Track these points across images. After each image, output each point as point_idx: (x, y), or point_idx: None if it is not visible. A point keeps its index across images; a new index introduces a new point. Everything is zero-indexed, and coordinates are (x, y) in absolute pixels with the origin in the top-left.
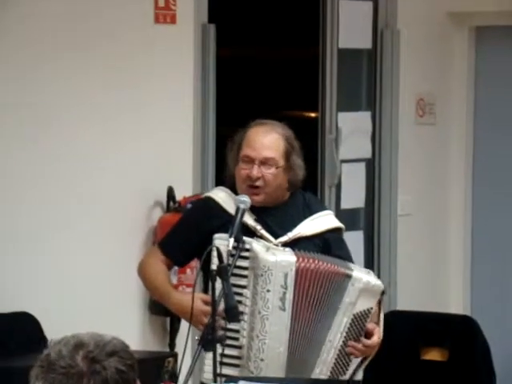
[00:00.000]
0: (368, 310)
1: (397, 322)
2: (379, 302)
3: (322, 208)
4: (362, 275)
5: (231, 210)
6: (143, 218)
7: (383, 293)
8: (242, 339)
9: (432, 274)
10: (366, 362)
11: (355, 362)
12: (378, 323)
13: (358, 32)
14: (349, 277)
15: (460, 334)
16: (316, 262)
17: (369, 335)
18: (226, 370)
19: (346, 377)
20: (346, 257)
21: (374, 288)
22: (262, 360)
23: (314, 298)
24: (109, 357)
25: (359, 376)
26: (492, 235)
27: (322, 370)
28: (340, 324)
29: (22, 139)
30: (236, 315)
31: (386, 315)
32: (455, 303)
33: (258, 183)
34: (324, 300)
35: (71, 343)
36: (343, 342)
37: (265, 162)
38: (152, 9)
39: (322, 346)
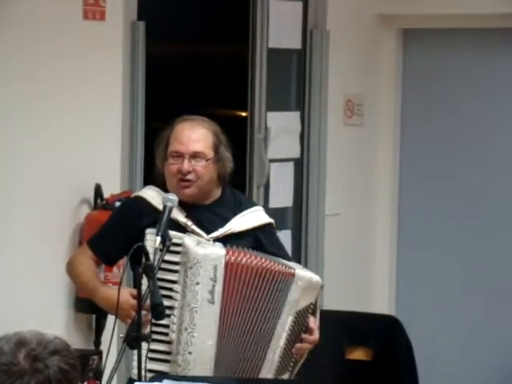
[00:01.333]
0: (309, 305)
1: (322, 321)
2: (317, 296)
3: (253, 204)
4: (303, 273)
5: (161, 208)
6: (70, 215)
7: (322, 287)
8: (171, 334)
9: (358, 273)
10: (305, 356)
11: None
12: (314, 315)
13: (287, 32)
14: (292, 275)
15: (384, 333)
16: (248, 256)
17: (310, 331)
18: (155, 366)
19: (288, 374)
20: (281, 251)
21: (315, 284)
22: (190, 353)
23: (248, 292)
24: (51, 355)
25: (286, 375)
26: (418, 235)
27: (269, 370)
28: (285, 323)
29: None
30: (161, 313)
31: None
32: (380, 303)
33: (189, 177)
34: (267, 298)
35: (13, 341)
36: (287, 340)
37: (195, 155)
38: (81, 5)
39: (268, 345)
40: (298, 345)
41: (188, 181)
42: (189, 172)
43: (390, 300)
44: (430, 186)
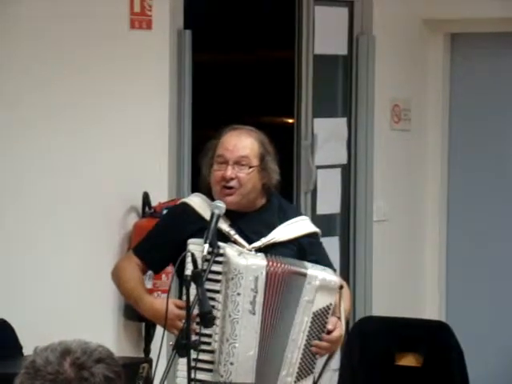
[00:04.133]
0: (328, 306)
1: (371, 327)
2: (339, 298)
3: (298, 214)
4: (316, 272)
5: (206, 215)
6: (119, 223)
7: (341, 287)
8: (213, 343)
9: (407, 279)
10: (332, 360)
11: (321, 361)
12: (339, 317)
13: (333, 38)
14: (304, 275)
15: (435, 339)
16: (286, 265)
17: (328, 332)
18: (199, 375)
19: (310, 381)
20: (323, 260)
21: (331, 284)
22: (231, 364)
23: (280, 300)
24: (96, 363)
25: (334, 381)
26: (467, 241)
27: (288, 372)
28: (301, 323)
29: (1, 150)
30: (210, 320)
31: (361, 321)
32: (430, 309)
33: (232, 183)
34: (283, 300)
35: (58, 350)
36: (306, 341)
37: (239, 161)
38: (127, 14)
39: (285, 347)
40: (315, 342)
41: (231, 188)
42: (232, 179)
43: (440, 306)
44: (480, 190)
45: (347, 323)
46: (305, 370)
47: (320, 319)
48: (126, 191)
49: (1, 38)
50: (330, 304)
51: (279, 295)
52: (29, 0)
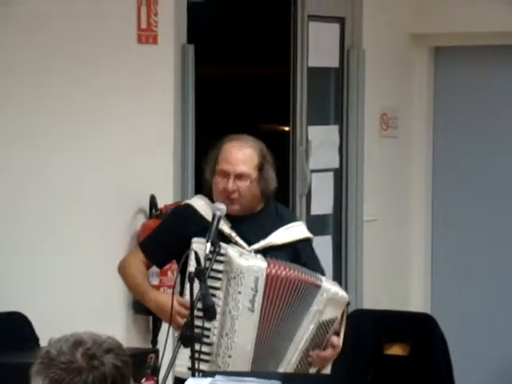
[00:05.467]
0: (333, 319)
1: (362, 319)
2: (343, 313)
3: (294, 219)
4: (330, 286)
5: (209, 216)
6: (128, 223)
7: (348, 304)
8: (212, 337)
9: (395, 274)
10: (322, 371)
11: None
12: (339, 333)
13: (325, 51)
14: (318, 287)
15: (420, 330)
16: (287, 269)
17: (333, 347)
18: (196, 365)
19: None
20: (315, 264)
21: (341, 299)
22: (229, 356)
23: (282, 302)
24: (106, 353)
25: (327, 370)
26: (451, 238)
27: (285, 370)
28: (307, 329)
29: (18, 152)
30: (213, 314)
31: (352, 313)
32: (416, 302)
33: (233, 196)
34: (293, 305)
35: (71, 341)
36: (307, 346)
37: (239, 176)
38: (135, 30)
39: (288, 347)
40: (315, 352)
41: (231, 200)
42: (233, 191)
43: (425, 299)
44: (462, 193)
45: None
46: (299, 370)
47: (324, 329)
48: (135, 194)
49: (11, 52)
50: (336, 317)
51: (284, 298)
52: (40, 13)
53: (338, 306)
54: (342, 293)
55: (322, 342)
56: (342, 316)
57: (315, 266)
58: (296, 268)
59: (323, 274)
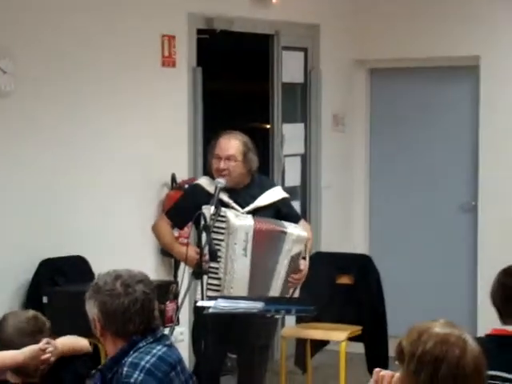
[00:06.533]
0: (299, 252)
1: (320, 259)
2: (305, 245)
3: (273, 185)
4: (293, 230)
5: (212, 190)
6: (156, 193)
7: (308, 239)
8: (220, 274)
9: (344, 226)
10: (298, 288)
11: (291, 288)
12: (305, 258)
13: (294, 71)
14: (285, 233)
15: (361, 266)
16: (267, 224)
17: (300, 270)
18: (211, 293)
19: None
20: (293, 213)
21: (302, 238)
22: (231, 288)
23: (265, 247)
24: (137, 283)
25: (296, 294)
26: (386, 199)
27: (274, 293)
28: (282, 263)
29: (73, 143)
30: (216, 256)
31: (313, 255)
32: (359, 246)
33: (224, 173)
34: (272, 248)
35: (113, 275)
36: (285, 274)
37: (228, 158)
38: (160, 57)
39: (272, 278)
40: (294, 275)
41: (223, 176)
42: (224, 169)
43: (365, 243)
44: (392, 169)
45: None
46: (283, 292)
47: (295, 260)
48: (161, 173)
49: (59, 62)
50: (301, 251)
51: (266, 244)
52: (89, 42)
53: (301, 242)
54: (302, 233)
55: (295, 269)
56: (305, 247)
57: (294, 214)
58: (273, 222)
59: (300, 218)
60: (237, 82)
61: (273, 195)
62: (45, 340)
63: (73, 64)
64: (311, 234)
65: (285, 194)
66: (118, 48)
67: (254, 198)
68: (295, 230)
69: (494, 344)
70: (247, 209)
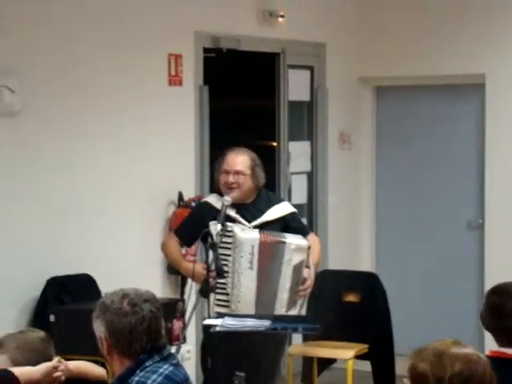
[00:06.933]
0: (301, 261)
1: (327, 277)
2: (308, 254)
3: (280, 200)
4: (292, 240)
5: (219, 206)
6: (163, 211)
7: (309, 247)
8: (228, 289)
9: (351, 245)
10: (305, 304)
11: (300, 300)
12: (309, 267)
13: (300, 90)
14: (284, 243)
15: (368, 284)
16: (271, 237)
17: (304, 280)
18: (219, 309)
19: (297, 310)
20: (302, 227)
21: (302, 247)
22: (239, 302)
23: (269, 259)
24: (144, 302)
25: (303, 312)
26: (392, 219)
27: (280, 305)
28: (286, 273)
29: (81, 161)
30: (223, 272)
31: (320, 273)
32: (366, 264)
33: (233, 186)
34: (275, 260)
35: (119, 294)
36: (290, 285)
37: (236, 172)
38: (166, 76)
39: (277, 289)
40: (299, 287)
41: (232, 189)
42: (232, 183)
43: (371, 262)
44: (399, 187)
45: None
46: (290, 304)
47: (298, 270)
48: (168, 191)
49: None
50: (303, 260)
51: (269, 256)
52: (97, 59)
53: (301, 251)
54: (302, 242)
55: (299, 278)
56: (308, 256)
57: (302, 228)
58: (276, 234)
59: (308, 231)
60: (243, 101)
61: (281, 210)
62: (57, 358)
63: (80, 83)
64: (319, 247)
65: (293, 209)
66: (124, 66)
67: (262, 212)
68: (294, 240)
69: (492, 366)
70: (254, 223)
